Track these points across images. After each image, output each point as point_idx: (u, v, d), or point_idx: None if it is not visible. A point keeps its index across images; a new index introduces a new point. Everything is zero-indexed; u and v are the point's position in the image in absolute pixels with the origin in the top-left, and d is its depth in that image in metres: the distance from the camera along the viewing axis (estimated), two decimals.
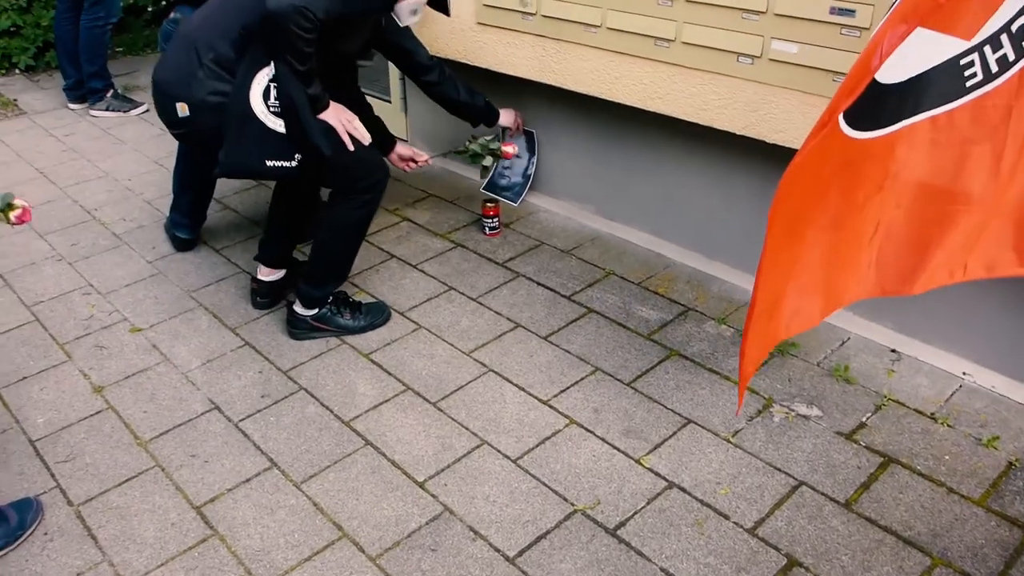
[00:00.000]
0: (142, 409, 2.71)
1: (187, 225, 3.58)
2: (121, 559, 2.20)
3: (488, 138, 3.68)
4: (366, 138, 2.79)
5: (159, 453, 2.54)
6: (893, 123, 1.75)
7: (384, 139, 3.49)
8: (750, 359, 2.13)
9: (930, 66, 1.73)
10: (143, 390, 2.79)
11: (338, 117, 2.72)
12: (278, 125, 2.63)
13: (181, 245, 3.61)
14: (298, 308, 2.99)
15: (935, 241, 1.91)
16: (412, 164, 3.57)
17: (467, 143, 3.68)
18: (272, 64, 2.59)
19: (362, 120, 2.81)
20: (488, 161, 3.67)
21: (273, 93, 2.60)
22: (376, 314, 3.08)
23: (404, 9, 2.83)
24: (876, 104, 1.80)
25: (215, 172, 2.69)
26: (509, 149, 3.68)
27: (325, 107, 2.69)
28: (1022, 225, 1.85)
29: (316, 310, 2.99)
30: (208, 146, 2.69)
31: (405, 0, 2.80)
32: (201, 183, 3.53)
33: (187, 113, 2.63)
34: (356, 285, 3.31)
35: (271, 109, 2.61)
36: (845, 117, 1.80)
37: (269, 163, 2.66)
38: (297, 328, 3.01)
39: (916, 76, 1.74)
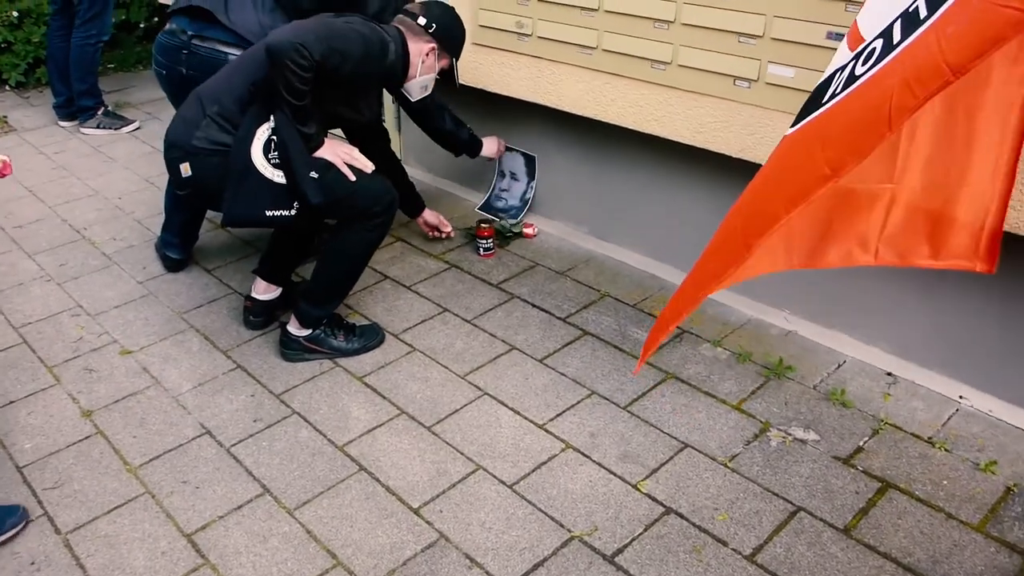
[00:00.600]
0: (132, 434, 2.67)
1: (178, 245, 3.54)
2: None
3: (512, 221, 3.79)
4: (368, 166, 2.79)
5: (149, 479, 2.50)
6: (804, 118, 1.84)
7: (414, 202, 3.64)
8: (660, 327, 2.12)
9: (837, 66, 1.83)
10: (133, 414, 2.75)
11: (334, 151, 2.73)
12: (277, 176, 2.66)
13: (172, 265, 3.57)
14: (292, 328, 2.96)
15: (837, 218, 1.98)
16: (436, 232, 3.72)
17: (492, 221, 3.78)
18: (273, 118, 2.63)
19: (395, 182, 2.88)
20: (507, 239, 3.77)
21: (273, 146, 2.64)
22: (370, 336, 3.06)
23: (415, 86, 2.94)
24: (808, 105, 1.89)
25: (221, 222, 2.72)
26: (530, 231, 3.78)
27: (320, 145, 2.71)
28: (936, 218, 1.94)
29: (310, 331, 2.96)
30: (214, 201, 2.74)
31: (416, 79, 2.86)
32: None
33: (189, 173, 2.68)
34: (350, 307, 3.28)
35: (271, 161, 2.65)
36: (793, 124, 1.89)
37: (269, 213, 2.69)
38: (290, 349, 2.98)
39: (828, 76, 1.85)
